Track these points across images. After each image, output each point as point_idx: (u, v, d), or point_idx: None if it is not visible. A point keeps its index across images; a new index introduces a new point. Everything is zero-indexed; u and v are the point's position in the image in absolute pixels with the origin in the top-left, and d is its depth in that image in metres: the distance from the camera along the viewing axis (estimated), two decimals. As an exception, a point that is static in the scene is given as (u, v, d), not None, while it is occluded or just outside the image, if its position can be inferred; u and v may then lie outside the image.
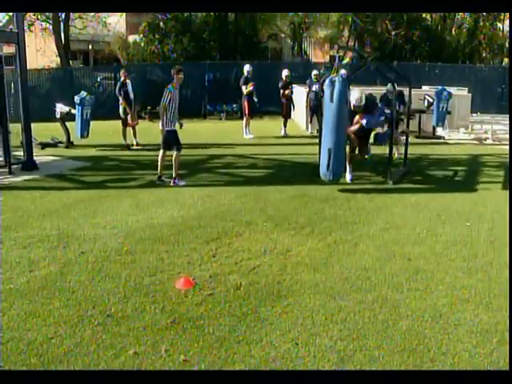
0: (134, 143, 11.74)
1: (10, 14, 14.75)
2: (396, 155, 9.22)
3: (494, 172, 9.29)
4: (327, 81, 7.24)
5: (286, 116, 13.71)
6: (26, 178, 8.44)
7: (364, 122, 7.76)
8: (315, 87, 12.51)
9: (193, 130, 13.93)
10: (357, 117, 7.83)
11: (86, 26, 25.75)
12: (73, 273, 4.45)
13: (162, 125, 7.69)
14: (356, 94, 7.81)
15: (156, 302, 3.91)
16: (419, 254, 4.98)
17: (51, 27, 22.86)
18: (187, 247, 5.10)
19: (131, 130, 11.75)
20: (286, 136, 13.43)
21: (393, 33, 23.84)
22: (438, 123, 13.19)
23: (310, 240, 5.36)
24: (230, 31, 23.61)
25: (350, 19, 25.11)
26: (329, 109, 7.15)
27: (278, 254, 4.93)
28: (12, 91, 9.81)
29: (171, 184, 7.80)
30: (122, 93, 11.63)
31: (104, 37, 28.53)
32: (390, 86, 9.61)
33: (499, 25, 25.89)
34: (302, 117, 14.98)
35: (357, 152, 8.16)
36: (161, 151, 7.91)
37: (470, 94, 15.21)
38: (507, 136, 13.36)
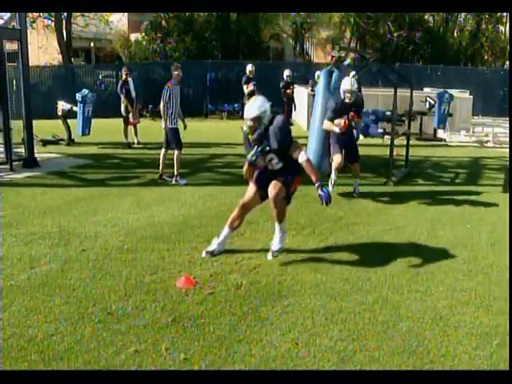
0: (136, 141, 11.75)
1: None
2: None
3: (495, 175, 9.30)
4: (324, 71, 7.37)
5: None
6: (27, 174, 8.44)
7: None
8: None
9: (194, 129, 13.88)
10: (351, 113, 6.95)
11: (87, 23, 25.74)
12: (74, 270, 4.46)
13: (165, 123, 7.70)
14: (346, 80, 7.18)
15: (157, 300, 3.92)
16: (420, 255, 4.98)
17: (53, 25, 22.85)
18: (188, 246, 5.10)
19: (132, 129, 11.77)
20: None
21: (395, 34, 23.83)
22: (440, 125, 13.20)
23: (311, 240, 5.37)
24: (232, 31, 23.60)
25: (352, 20, 25.08)
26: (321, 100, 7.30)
27: (279, 254, 4.93)
28: (14, 88, 9.80)
29: (172, 182, 7.81)
30: (123, 91, 11.65)
31: (106, 35, 28.51)
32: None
33: (501, 27, 25.89)
34: (304, 117, 15.00)
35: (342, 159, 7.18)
36: (162, 150, 7.92)
37: (471, 97, 15.21)
38: (508, 139, 13.39)
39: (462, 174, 9.38)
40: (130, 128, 11.73)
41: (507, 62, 25.66)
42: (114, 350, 3.23)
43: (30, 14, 20.33)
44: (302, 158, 4.51)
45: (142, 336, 3.40)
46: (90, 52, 30.92)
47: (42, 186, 7.58)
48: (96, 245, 5.10)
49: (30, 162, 9.01)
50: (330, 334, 3.48)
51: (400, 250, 5.13)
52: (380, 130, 9.12)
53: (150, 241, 5.23)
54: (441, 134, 13.74)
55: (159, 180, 7.93)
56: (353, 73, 10.46)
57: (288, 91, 13.63)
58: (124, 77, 11.80)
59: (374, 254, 5.01)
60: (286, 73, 13.73)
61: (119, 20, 27.50)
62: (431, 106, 13.05)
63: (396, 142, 8.39)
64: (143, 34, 22.96)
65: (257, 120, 4.48)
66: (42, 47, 23.64)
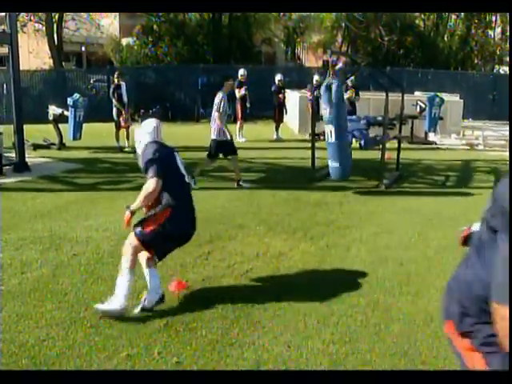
0: (126, 145, 11.72)
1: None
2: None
3: (485, 177, 9.37)
4: (323, 87, 7.33)
5: (279, 120, 13.76)
6: (18, 179, 8.40)
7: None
8: (316, 92, 12.54)
9: (186, 133, 13.93)
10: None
11: (78, 27, 25.71)
12: (65, 275, 4.44)
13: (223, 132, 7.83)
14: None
15: (149, 304, 3.90)
16: (411, 258, 5.01)
17: (44, 29, 22.77)
18: (180, 250, 5.08)
19: (124, 133, 11.73)
20: (278, 140, 13.47)
21: (386, 38, 23.98)
22: (430, 129, 13.29)
23: (303, 244, 5.38)
24: (224, 35, 23.64)
25: (344, 24, 25.24)
26: (330, 112, 7.24)
27: (271, 258, 4.94)
28: (4, 92, 9.77)
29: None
30: (115, 95, 11.62)
31: (97, 39, 28.47)
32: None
33: (490, 32, 26.15)
34: (295, 121, 15.04)
35: None
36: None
37: (461, 100, 15.34)
38: (498, 142, 13.51)
39: (453, 176, 9.45)
40: (122, 132, 11.70)
41: (496, 66, 25.91)
42: (107, 355, 3.22)
43: (20, 18, 20.24)
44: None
45: (135, 340, 3.39)
46: (82, 56, 30.86)
47: (33, 191, 7.55)
48: (87, 249, 5.08)
49: (21, 167, 8.96)
50: (322, 337, 3.49)
51: (391, 253, 5.15)
52: (371, 135, 9.16)
53: (141, 245, 5.20)
54: (432, 137, 13.83)
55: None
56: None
57: (280, 96, 13.66)
58: (116, 81, 11.78)
59: (366, 257, 5.03)
60: (278, 77, 13.76)
61: (110, 23, 27.48)
62: (422, 110, 13.14)
63: (387, 145, 8.44)
64: (135, 38, 22.94)
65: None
66: (33, 51, 23.57)
